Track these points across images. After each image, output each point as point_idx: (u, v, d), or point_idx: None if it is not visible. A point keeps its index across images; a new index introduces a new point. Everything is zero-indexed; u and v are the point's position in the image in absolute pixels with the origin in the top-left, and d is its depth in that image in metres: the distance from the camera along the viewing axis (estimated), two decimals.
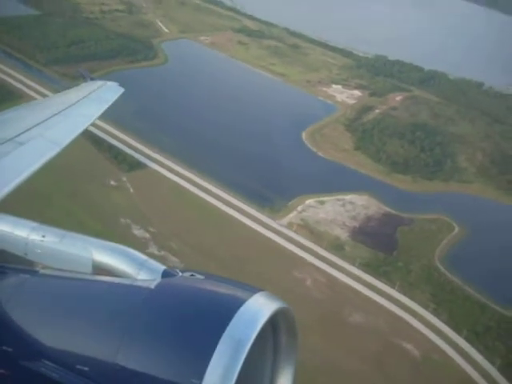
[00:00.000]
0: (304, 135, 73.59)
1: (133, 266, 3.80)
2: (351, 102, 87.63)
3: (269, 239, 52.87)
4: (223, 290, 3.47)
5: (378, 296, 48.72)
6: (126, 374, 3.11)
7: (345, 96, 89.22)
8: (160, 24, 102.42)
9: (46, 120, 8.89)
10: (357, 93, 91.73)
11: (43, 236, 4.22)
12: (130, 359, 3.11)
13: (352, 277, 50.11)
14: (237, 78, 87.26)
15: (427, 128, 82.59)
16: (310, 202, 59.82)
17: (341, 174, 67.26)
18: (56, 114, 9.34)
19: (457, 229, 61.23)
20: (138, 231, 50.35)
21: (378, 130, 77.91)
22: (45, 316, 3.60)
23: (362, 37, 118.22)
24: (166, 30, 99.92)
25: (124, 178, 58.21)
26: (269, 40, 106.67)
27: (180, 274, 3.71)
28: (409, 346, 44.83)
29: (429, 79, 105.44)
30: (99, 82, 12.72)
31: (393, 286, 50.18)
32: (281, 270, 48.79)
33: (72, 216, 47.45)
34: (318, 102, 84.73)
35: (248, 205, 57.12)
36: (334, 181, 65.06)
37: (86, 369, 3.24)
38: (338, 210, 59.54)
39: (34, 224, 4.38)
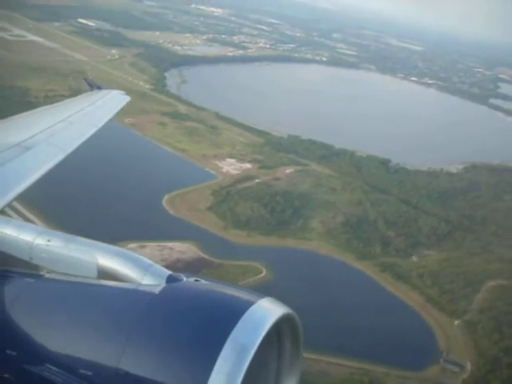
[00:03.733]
0: (166, 197, 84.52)
1: (137, 271, 3.83)
2: (235, 172, 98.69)
3: None
4: (228, 295, 3.51)
5: None
6: (130, 379, 3.16)
7: (232, 168, 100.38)
8: None
9: (52, 126, 8.98)
10: (247, 166, 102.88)
11: (48, 240, 4.21)
12: (134, 364, 3.18)
13: None
14: (136, 150, 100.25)
15: (293, 195, 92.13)
16: (131, 246, 69.61)
17: (179, 227, 77.06)
18: (62, 121, 9.49)
19: (263, 274, 69.46)
20: None
21: (239, 195, 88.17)
22: (49, 320, 3.64)
23: (288, 121, 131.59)
24: None
25: None
26: (191, 122, 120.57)
27: (184, 279, 3.76)
28: None
29: (332, 156, 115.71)
30: (105, 91, 13.19)
31: None
32: None
33: None
34: (201, 172, 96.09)
35: None
36: (170, 232, 74.83)
37: (90, 373, 3.30)
38: (153, 254, 68.98)
39: (39, 228, 4.44)
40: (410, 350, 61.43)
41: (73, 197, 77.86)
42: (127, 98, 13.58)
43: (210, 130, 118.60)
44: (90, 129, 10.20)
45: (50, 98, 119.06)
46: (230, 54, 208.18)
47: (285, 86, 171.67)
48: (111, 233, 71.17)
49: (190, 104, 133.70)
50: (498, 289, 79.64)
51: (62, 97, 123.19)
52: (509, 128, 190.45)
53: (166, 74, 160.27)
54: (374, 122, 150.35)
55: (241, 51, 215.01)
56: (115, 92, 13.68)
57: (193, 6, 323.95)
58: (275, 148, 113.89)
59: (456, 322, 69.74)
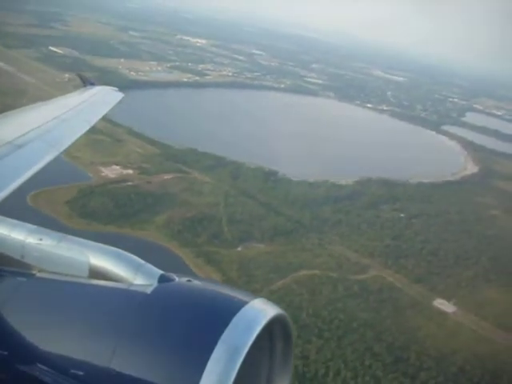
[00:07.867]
0: (33, 192, 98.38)
1: (129, 271, 3.95)
2: (113, 176, 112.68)
3: None
4: (220, 296, 3.57)
5: None
6: (121, 379, 3.20)
7: (113, 173, 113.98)
8: None
9: (46, 123, 9.16)
10: (129, 171, 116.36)
11: (40, 239, 4.32)
12: (125, 364, 3.22)
13: None
14: None
15: (153, 195, 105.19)
16: None
17: (30, 215, 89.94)
18: (55, 118, 9.68)
19: None
20: None
21: (100, 193, 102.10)
22: (40, 320, 3.69)
23: (196, 136, 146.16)
24: None
25: None
26: (100, 135, 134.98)
27: (177, 279, 3.84)
28: None
29: (219, 166, 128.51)
30: (99, 87, 13.65)
31: None
32: None
33: None
34: (79, 175, 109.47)
35: None
36: (17, 218, 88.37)
37: (81, 373, 3.33)
38: None
39: (31, 227, 4.53)
40: None
41: None
42: (121, 95, 13.75)
43: (114, 142, 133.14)
44: (84, 126, 10.40)
45: None
46: (185, 79, 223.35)
47: (215, 107, 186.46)
48: None
49: (108, 121, 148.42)
50: (306, 276, 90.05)
51: None
52: (441, 149, 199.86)
53: None
54: (288, 141, 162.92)
55: (197, 77, 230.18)
56: (108, 89, 13.95)
57: (178, 36, 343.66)
58: (167, 158, 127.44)
59: None
